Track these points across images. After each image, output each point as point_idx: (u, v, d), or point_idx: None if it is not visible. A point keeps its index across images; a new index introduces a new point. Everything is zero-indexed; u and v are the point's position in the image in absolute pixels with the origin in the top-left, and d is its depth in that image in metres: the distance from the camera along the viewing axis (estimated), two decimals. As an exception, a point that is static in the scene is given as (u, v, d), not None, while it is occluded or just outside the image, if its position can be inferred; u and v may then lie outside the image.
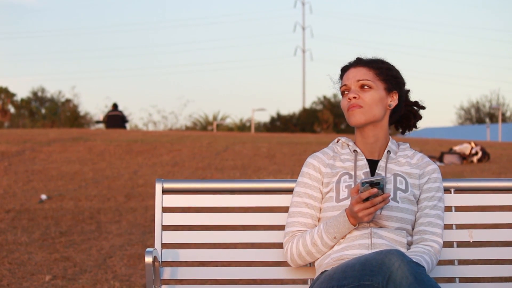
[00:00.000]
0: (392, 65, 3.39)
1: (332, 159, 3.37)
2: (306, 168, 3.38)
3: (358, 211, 3.08)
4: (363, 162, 3.33)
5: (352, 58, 3.42)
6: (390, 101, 3.34)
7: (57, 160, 15.66)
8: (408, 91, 3.46)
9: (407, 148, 3.42)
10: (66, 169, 14.45)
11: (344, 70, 3.40)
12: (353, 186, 3.25)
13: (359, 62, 3.36)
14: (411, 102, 3.47)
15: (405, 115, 3.47)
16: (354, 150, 3.36)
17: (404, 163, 3.35)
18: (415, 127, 3.51)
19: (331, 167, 3.34)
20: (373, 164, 3.33)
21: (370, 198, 3.05)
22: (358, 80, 3.30)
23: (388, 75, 3.33)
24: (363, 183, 3.03)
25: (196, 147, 18.44)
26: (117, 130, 25.06)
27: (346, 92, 3.34)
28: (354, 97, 3.28)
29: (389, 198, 3.16)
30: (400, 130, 3.51)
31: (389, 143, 3.37)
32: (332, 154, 3.39)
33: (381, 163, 3.32)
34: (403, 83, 3.40)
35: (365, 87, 3.30)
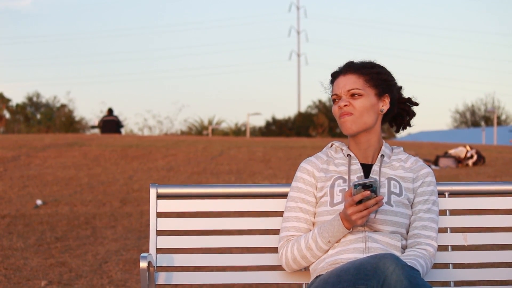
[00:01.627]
0: (382, 68, 3.37)
1: (326, 164, 3.37)
2: (300, 173, 3.38)
3: (351, 214, 3.08)
4: (357, 166, 3.33)
5: (344, 62, 3.40)
6: (382, 106, 3.34)
7: (53, 166, 15.65)
8: (401, 88, 3.45)
9: (401, 152, 3.43)
10: (62, 174, 14.44)
11: (334, 76, 3.38)
12: (347, 190, 3.25)
13: (348, 69, 3.33)
14: (404, 99, 3.46)
15: (398, 113, 3.46)
16: (348, 155, 3.36)
17: (398, 167, 3.36)
18: (409, 125, 3.50)
19: (325, 172, 3.34)
20: (367, 168, 3.34)
21: (364, 201, 3.05)
22: (349, 90, 3.29)
23: (378, 80, 3.32)
24: (355, 186, 3.04)
25: (191, 151, 18.44)
26: (112, 135, 25.04)
27: (337, 100, 3.34)
28: (345, 105, 3.28)
29: (383, 201, 3.17)
30: (395, 129, 3.50)
31: (383, 147, 3.37)
32: (325, 159, 3.39)
33: (375, 167, 3.33)
34: (394, 85, 3.39)
35: (356, 95, 3.30)
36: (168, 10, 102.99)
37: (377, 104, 3.31)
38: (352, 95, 3.28)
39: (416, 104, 3.47)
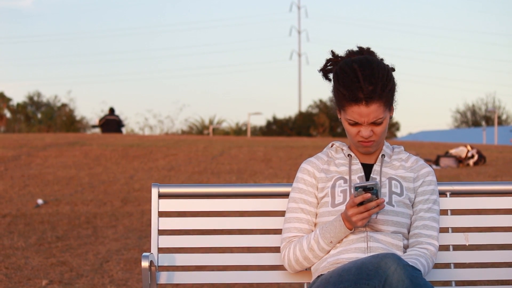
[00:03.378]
0: (390, 78, 3.24)
1: (327, 164, 3.37)
2: (301, 174, 3.38)
3: (352, 215, 3.08)
4: (357, 167, 3.32)
5: (360, 84, 3.15)
6: (391, 114, 3.31)
7: (53, 165, 15.65)
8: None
9: (402, 152, 3.42)
10: (62, 174, 14.45)
11: (352, 99, 3.17)
12: (348, 190, 3.25)
13: (370, 99, 3.15)
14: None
15: None
16: (349, 155, 3.35)
17: (398, 166, 3.35)
18: None
19: (326, 172, 3.34)
20: (367, 168, 3.33)
21: (365, 203, 3.05)
22: (373, 122, 3.19)
23: (392, 96, 3.25)
24: (356, 188, 3.03)
25: (192, 151, 18.44)
26: (113, 135, 25.04)
27: (355, 124, 3.21)
28: (370, 136, 3.22)
29: (385, 203, 3.16)
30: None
31: (384, 147, 3.36)
32: (326, 159, 3.39)
33: (376, 167, 3.32)
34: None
35: (377, 122, 3.21)
36: (169, 10, 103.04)
37: (389, 115, 3.27)
38: (374, 122, 3.21)
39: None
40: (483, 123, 59.51)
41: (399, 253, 3.20)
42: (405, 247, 3.27)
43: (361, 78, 3.17)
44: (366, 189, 3.02)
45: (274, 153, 18.27)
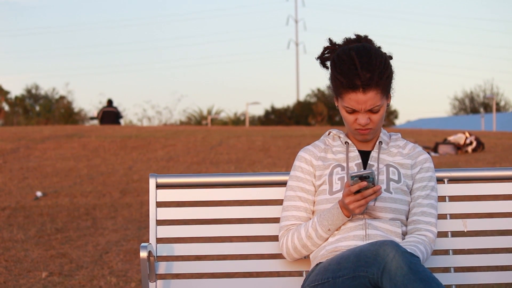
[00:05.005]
0: (388, 65, 3.23)
1: (324, 152, 3.37)
2: (298, 162, 3.38)
3: (349, 203, 3.08)
4: (355, 154, 3.32)
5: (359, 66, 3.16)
6: (389, 101, 3.30)
7: (52, 157, 15.64)
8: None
9: (399, 138, 3.42)
10: (61, 166, 14.44)
11: (349, 87, 3.16)
12: (345, 177, 3.25)
13: (368, 86, 3.14)
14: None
15: None
16: (346, 142, 3.35)
17: (396, 153, 3.35)
18: None
19: (323, 160, 3.34)
20: (365, 155, 3.33)
21: (361, 191, 3.05)
22: (370, 109, 3.19)
23: (389, 83, 3.24)
24: (352, 177, 3.03)
25: (190, 141, 18.43)
26: (111, 126, 25.00)
27: (353, 111, 3.21)
28: (367, 123, 3.21)
29: (382, 190, 3.16)
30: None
31: (381, 134, 3.36)
32: (323, 147, 3.39)
33: (373, 154, 3.32)
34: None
35: (375, 110, 3.21)
36: (166, 0, 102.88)
37: (386, 103, 3.26)
38: (371, 109, 3.20)
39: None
40: (482, 110, 59.47)
41: (398, 240, 3.21)
42: (404, 234, 3.27)
43: (359, 65, 3.16)
44: (362, 177, 3.02)
45: (273, 142, 18.27)
